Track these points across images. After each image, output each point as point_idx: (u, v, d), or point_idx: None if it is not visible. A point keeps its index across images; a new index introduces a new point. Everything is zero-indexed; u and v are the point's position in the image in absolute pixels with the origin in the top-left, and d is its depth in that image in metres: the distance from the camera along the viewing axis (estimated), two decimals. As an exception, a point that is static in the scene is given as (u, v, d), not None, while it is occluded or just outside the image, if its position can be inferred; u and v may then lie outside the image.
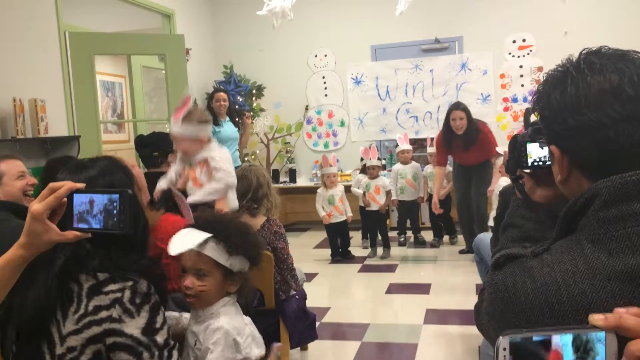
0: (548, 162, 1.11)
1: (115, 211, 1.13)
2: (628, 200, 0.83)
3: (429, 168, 5.78)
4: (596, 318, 0.63)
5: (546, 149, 1.08)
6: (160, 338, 1.28)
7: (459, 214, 5.31)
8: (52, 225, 1.12)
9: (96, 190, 1.16)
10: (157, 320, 1.29)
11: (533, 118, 1.09)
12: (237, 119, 5.89)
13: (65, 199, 1.14)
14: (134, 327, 1.25)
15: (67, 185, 1.13)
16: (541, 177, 1.15)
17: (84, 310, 1.24)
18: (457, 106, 4.94)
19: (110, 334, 1.24)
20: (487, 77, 6.73)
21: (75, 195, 1.15)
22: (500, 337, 0.64)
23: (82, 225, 1.15)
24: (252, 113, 6.83)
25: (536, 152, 1.14)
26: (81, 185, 1.15)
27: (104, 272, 1.28)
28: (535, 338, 0.63)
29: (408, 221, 5.88)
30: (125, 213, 1.13)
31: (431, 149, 5.64)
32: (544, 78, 0.95)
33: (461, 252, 5.43)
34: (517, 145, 1.15)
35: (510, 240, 1.14)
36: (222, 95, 5.54)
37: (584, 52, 0.91)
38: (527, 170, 1.17)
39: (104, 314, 1.24)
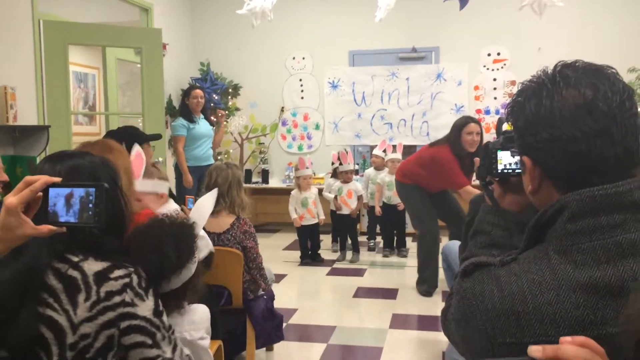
0: (517, 170, 1.14)
1: (90, 205, 1.13)
2: (595, 214, 0.85)
3: (387, 177, 5.51)
4: (534, 349, 0.66)
5: (517, 157, 1.10)
6: (166, 320, 1.35)
7: (429, 250, 4.40)
8: (27, 219, 1.12)
9: (72, 184, 1.16)
10: (159, 303, 1.35)
11: (505, 127, 1.12)
12: (212, 117, 5.86)
13: (41, 193, 1.14)
14: (146, 309, 1.30)
15: (42, 179, 1.13)
16: (510, 184, 1.18)
17: (95, 297, 1.25)
18: (472, 119, 4.22)
19: (124, 318, 1.27)
20: (462, 88, 6.83)
21: (51, 189, 1.14)
22: None
23: (57, 219, 1.14)
24: (227, 112, 6.80)
25: (506, 159, 1.17)
26: (57, 179, 1.15)
27: (101, 259, 1.30)
28: None
29: (378, 226, 5.92)
30: (100, 206, 1.13)
31: (392, 155, 5.51)
32: (519, 88, 0.96)
33: (425, 293, 4.36)
34: (489, 152, 1.18)
35: (478, 246, 1.16)
36: (199, 92, 5.55)
37: (559, 64, 0.93)
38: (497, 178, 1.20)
39: (117, 299, 1.27)
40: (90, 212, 1.13)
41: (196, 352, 1.64)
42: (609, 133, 0.85)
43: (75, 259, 1.28)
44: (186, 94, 5.60)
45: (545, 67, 0.94)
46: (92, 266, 1.28)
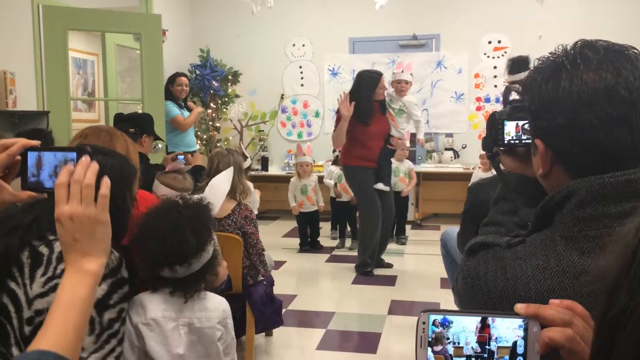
0: (524, 140, 1.11)
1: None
2: (604, 202, 0.83)
3: (393, 163, 5.42)
4: (519, 307, 0.69)
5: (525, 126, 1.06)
6: (107, 316, 1.24)
7: (373, 226, 4.50)
8: (5, 185, 1.06)
9: (52, 148, 1.09)
10: (114, 297, 1.25)
11: (513, 95, 1.08)
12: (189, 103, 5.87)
13: (19, 157, 1.06)
14: None
15: (20, 142, 1.05)
16: (517, 154, 1.15)
17: (52, 273, 1.23)
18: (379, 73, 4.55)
19: None
20: (462, 76, 6.81)
21: (30, 154, 1.06)
22: (421, 313, 0.69)
23: (41, 186, 1.05)
24: (225, 99, 6.78)
25: (513, 130, 1.12)
26: (36, 142, 1.06)
27: None
28: (460, 317, 0.69)
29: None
30: None
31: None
32: (536, 65, 0.91)
33: (365, 271, 4.55)
34: (495, 122, 1.14)
35: (499, 212, 1.10)
36: (185, 80, 5.57)
37: (579, 43, 0.88)
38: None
39: None
40: None
41: (203, 342, 1.54)
42: (628, 121, 0.82)
43: (52, 237, 1.26)
44: (170, 80, 5.56)
45: (564, 45, 0.89)
46: None
